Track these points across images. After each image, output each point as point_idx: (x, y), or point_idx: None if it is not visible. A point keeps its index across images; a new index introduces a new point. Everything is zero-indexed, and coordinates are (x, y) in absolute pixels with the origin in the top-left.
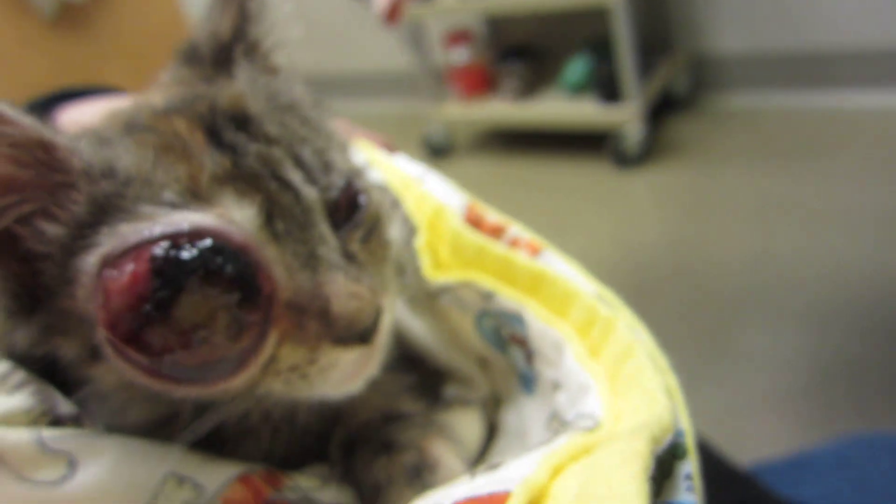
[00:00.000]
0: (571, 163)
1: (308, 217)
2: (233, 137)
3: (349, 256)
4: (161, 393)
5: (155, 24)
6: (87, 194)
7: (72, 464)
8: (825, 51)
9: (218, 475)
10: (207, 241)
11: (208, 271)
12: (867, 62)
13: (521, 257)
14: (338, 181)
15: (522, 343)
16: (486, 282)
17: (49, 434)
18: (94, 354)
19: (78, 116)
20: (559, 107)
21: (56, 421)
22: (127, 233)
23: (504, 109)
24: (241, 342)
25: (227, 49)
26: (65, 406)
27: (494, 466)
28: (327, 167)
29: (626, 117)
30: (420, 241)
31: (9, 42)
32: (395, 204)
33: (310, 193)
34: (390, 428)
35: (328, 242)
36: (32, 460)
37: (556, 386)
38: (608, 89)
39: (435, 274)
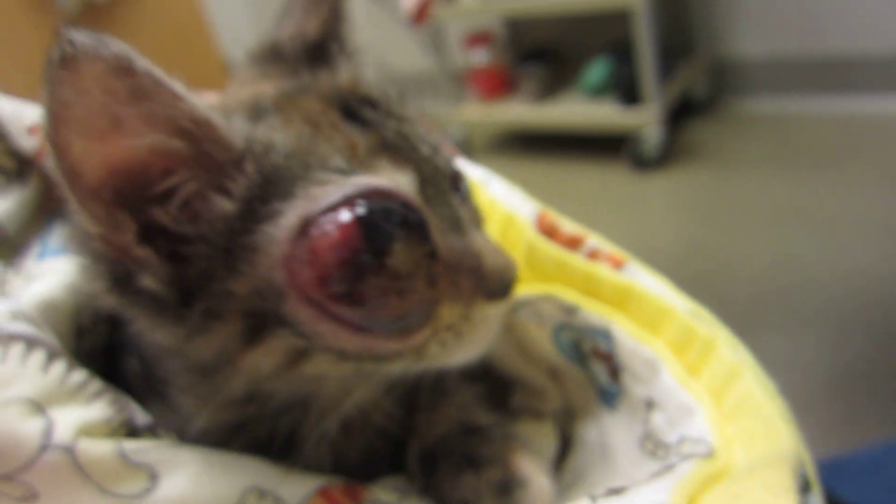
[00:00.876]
0: (590, 165)
1: (446, 185)
2: (370, 114)
3: (471, 220)
4: (358, 353)
5: (175, 23)
6: (256, 169)
7: (153, 477)
8: (845, 56)
9: (298, 488)
10: (397, 200)
11: (407, 224)
12: (888, 68)
13: (604, 270)
14: (447, 157)
15: (607, 358)
16: (569, 295)
17: (130, 446)
18: (251, 338)
19: None
20: (578, 109)
21: (133, 431)
22: (322, 195)
23: (523, 111)
24: (434, 290)
25: (319, 48)
26: (141, 416)
27: (617, 492)
28: (437, 144)
29: (645, 120)
30: None
31: (31, 40)
32: None
33: (442, 163)
34: (471, 441)
35: (461, 209)
36: (115, 473)
37: (649, 405)
38: (628, 92)
39: None
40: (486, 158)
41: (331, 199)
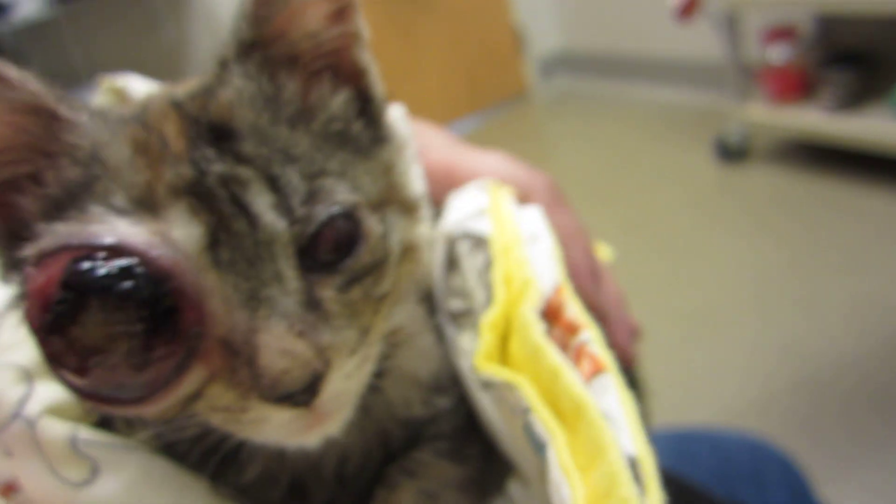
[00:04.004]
0: (887, 194)
1: (263, 249)
2: (201, 150)
3: (312, 304)
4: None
5: None
6: (63, 175)
7: (94, 470)
8: None
9: None
10: (125, 261)
11: (117, 294)
12: None
13: (570, 377)
14: (322, 213)
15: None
16: (529, 393)
17: (84, 435)
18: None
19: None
20: (887, 127)
21: (105, 420)
22: (60, 233)
23: (819, 120)
24: (147, 372)
25: (246, 46)
26: None
27: None
28: (314, 195)
29: None
30: (493, 313)
31: None
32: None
33: (273, 223)
34: None
35: (283, 283)
36: (63, 457)
37: None
38: None
39: (484, 363)
40: (764, 165)
41: (56, 240)
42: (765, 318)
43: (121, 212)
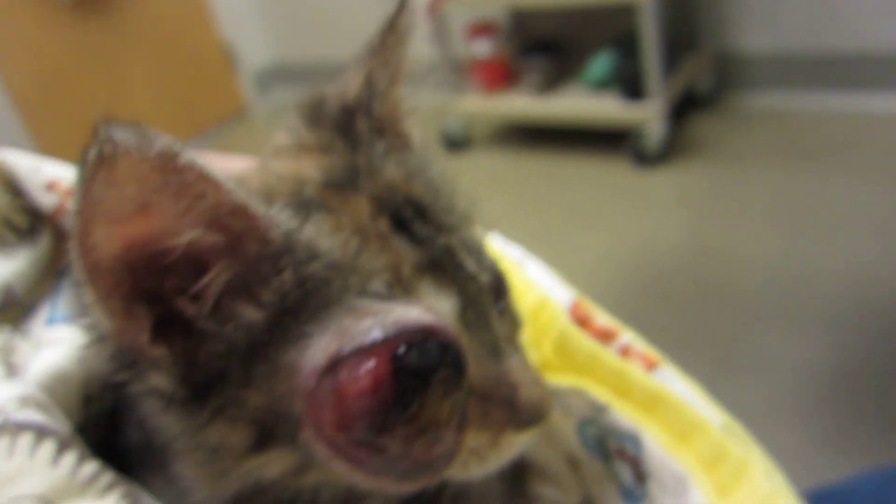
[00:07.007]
0: (591, 159)
1: (486, 304)
2: (420, 227)
3: (509, 340)
4: (370, 489)
5: (177, 13)
6: (294, 276)
7: None
8: (848, 52)
9: None
10: (436, 339)
11: (444, 369)
12: (890, 65)
13: (636, 371)
14: (490, 263)
15: (634, 462)
16: (600, 392)
17: None
18: (259, 446)
19: None
20: (581, 103)
21: None
22: (356, 331)
23: (525, 104)
24: (463, 433)
25: (351, 116)
26: None
27: None
28: (482, 250)
29: (648, 115)
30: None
31: (30, 26)
32: None
33: (483, 279)
34: None
35: (500, 328)
36: None
37: None
38: (631, 86)
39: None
40: (485, 151)
41: (365, 338)
42: None
43: (386, 297)
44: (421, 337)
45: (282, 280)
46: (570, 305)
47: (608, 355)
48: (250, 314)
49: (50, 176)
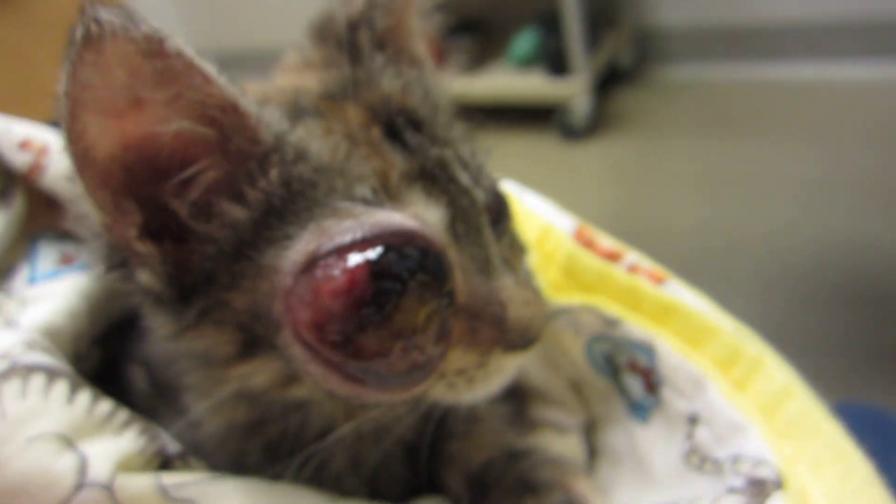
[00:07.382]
0: (519, 136)
1: (480, 220)
2: (412, 137)
3: (505, 261)
4: (348, 398)
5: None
6: (281, 176)
7: None
8: (766, 23)
9: None
10: (417, 244)
11: (423, 275)
12: (802, 34)
13: (646, 285)
14: (489, 183)
15: (646, 373)
16: (612, 308)
17: (169, 480)
18: (243, 352)
19: None
20: (507, 80)
21: (166, 461)
22: (336, 231)
23: (452, 83)
24: (445, 342)
25: (354, 30)
26: (172, 444)
27: None
28: (481, 169)
29: (573, 90)
30: (530, 261)
31: None
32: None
33: (479, 196)
34: (520, 467)
35: (494, 247)
36: None
37: (692, 420)
38: (556, 63)
39: (555, 294)
40: None
41: (344, 238)
42: None
43: (371, 202)
44: (401, 241)
45: (269, 180)
46: (574, 231)
47: (617, 272)
48: (236, 213)
49: (22, 135)
